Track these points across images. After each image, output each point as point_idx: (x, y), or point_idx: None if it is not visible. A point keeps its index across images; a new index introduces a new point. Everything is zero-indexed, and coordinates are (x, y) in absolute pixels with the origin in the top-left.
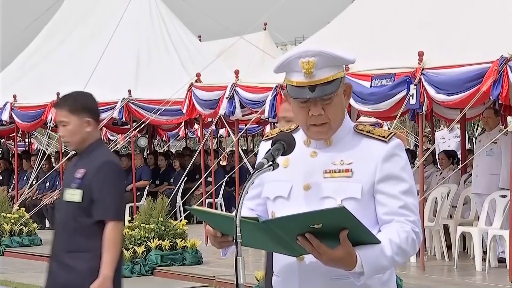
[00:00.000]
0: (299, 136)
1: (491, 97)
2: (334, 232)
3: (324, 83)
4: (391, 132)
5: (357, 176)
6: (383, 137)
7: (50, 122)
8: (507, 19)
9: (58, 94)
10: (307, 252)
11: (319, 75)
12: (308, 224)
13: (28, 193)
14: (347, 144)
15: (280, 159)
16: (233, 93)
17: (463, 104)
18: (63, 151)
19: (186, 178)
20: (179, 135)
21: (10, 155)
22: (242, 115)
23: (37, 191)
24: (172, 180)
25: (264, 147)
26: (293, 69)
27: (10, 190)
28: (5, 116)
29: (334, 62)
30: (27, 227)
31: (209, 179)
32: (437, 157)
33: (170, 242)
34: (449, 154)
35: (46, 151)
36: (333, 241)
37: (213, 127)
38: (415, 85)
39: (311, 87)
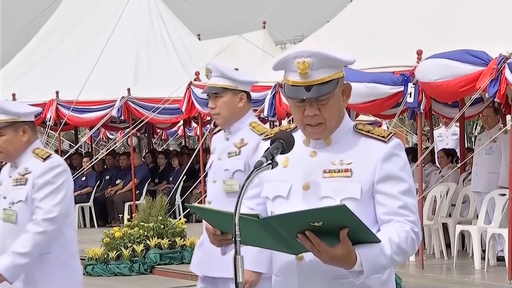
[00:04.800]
0: (299, 136)
1: (487, 94)
2: (334, 231)
3: (320, 84)
4: (391, 132)
5: (357, 176)
6: (383, 137)
7: (49, 121)
8: (506, 18)
9: (57, 92)
10: (306, 250)
11: (315, 75)
12: (309, 222)
13: None
14: (346, 143)
15: (279, 159)
16: None
17: (456, 93)
18: (62, 149)
19: (185, 177)
20: (178, 134)
21: None
22: None
23: None
24: (171, 178)
25: (264, 146)
26: (290, 68)
27: None
28: None
29: (330, 63)
30: None
31: None
32: (436, 156)
33: (169, 241)
34: (448, 153)
35: None
36: (333, 240)
37: (211, 125)
38: (413, 84)
39: (307, 87)
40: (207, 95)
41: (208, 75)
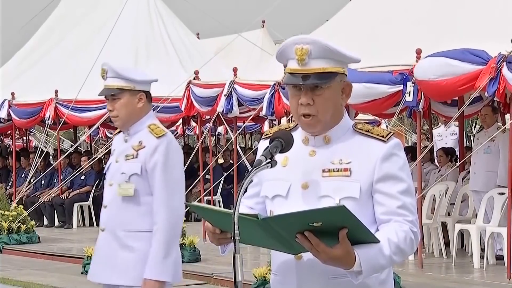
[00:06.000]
0: (298, 135)
1: (486, 93)
2: (333, 231)
3: (318, 74)
4: (390, 132)
5: (356, 175)
6: (382, 136)
7: (48, 120)
8: (505, 17)
9: (56, 91)
10: (306, 250)
11: (313, 64)
12: (308, 222)
13: (26, 191)
14: (345, 143)
15: (279, 158)
16: (231, 90)
17: (455, 91)
18: (61, 149)
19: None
20: (177, 133)
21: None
22: (240, 113)
23: (34, 189)
24: None
25: (263, 145)
26: (289, 56)
27: (8, 187)
28: (3, 114)
29: (330, 55)
30: (25, 225)
31: (207, 176)
32: (435, 155)
33: None
34: (447, 152)
35: (44, 149)
36: (332, 240)
37: (211, 124)
38: (412, 83)
39: (304, 76)
40: (105, 97)
41: (103, 76)
